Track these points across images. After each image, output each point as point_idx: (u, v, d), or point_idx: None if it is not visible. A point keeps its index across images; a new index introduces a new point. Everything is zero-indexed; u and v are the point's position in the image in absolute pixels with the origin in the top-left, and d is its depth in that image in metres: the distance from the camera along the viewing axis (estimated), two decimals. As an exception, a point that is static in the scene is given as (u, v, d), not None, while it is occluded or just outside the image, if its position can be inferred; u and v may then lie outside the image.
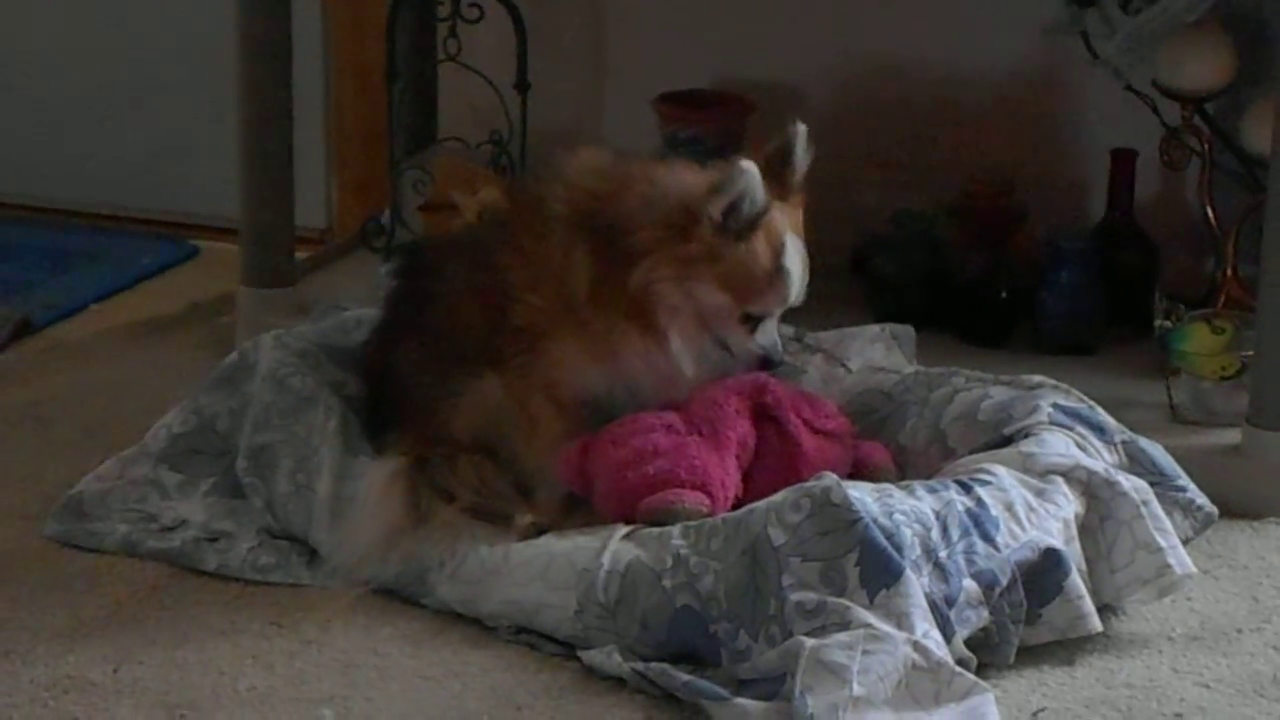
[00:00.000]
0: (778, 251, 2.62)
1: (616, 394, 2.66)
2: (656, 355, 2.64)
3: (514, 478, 2.65)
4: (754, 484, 2.61)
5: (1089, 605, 2.48)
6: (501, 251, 2.68)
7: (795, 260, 2.63)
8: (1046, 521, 2.49)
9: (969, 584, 2.41)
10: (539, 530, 2.58)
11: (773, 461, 2.63)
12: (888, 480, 2.61)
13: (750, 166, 2.57)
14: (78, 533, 2.73)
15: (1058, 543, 2.48)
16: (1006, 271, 3.21)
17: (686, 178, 2.63)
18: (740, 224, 2.58)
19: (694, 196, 2.59)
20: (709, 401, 2.64)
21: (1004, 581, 2.43)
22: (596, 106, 3.56)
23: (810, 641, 2.30)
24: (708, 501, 2.55)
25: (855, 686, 2.25)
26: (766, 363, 2.67)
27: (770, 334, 2.67)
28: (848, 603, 2.34)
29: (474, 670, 2.45)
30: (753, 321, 2.65)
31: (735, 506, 2.57)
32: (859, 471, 2.65)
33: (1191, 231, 3.23)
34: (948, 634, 2.37)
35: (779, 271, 2.62)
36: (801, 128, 2.65)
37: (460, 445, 2.65)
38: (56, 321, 3.47)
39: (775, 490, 2.49)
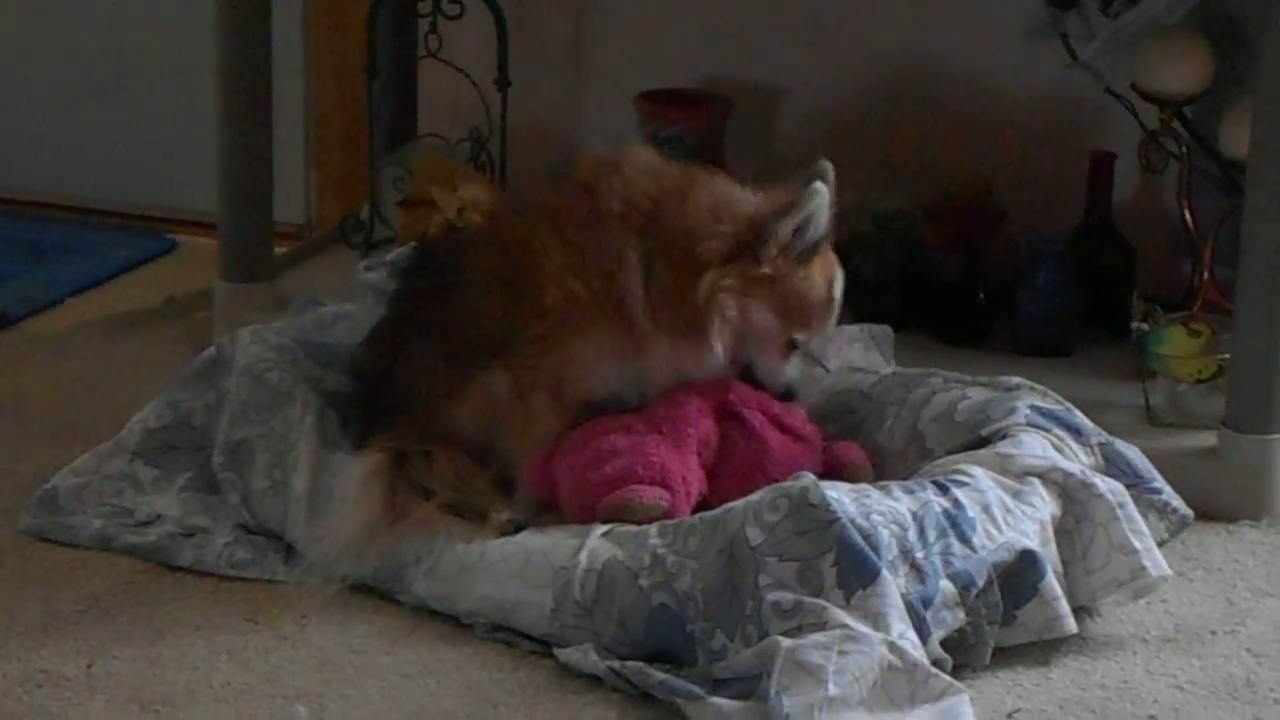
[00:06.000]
0: (830, 281, 2.64)
1: (624, 395, 2.64)
2: (685, 362, 2.63)
3: (498, 473, 2.64)
4: (720, 482, 2.61)
5: (1064, 607, 2.48)
6: (544, 235, 2.63)
7: (840, 293, 2.66)
8: (1023, 523, 2.50)
9: (945, 585, 2.42)
10: (516, 527, 2.57)
11: (739, 460, 2.62)
12: (863, 479, 2.61)
13: (823, 188, 2.58)
14: (52, 527, 2.72)
15: (1034, 544, 2.48)
16: (984, 273, 3.21)
17: (746, 194, 2.62)
18: (805, 247, 2.59)
19: (763, 215, 2.59)
20: (670, 401, 2.63)
21: (980, 583, 2.43)
22: (577, 104, 3.56)
23: (786, 641, 2.30)
24: (667, 496, 2.54)
25: (831, 687, 2.25)
26: (789, 394, 2.67)
27: (797, 365, 2.67)
28: (824, 603, 2.34)
29: (449, 668, 2.44)
30: (791, 350, 2.66)
31: (703, 505, 2.57)
32: (835, 471, 2.64)
33: (1169, 235, 3.23)
34: (924, 635, 2.37)
35: (829, 301, 2.64)
36: (828, 165, 2.62)
37: (461, 439, 2.64)
38: (32, 315, 3.46)
39: (742, 488, 2.49)
